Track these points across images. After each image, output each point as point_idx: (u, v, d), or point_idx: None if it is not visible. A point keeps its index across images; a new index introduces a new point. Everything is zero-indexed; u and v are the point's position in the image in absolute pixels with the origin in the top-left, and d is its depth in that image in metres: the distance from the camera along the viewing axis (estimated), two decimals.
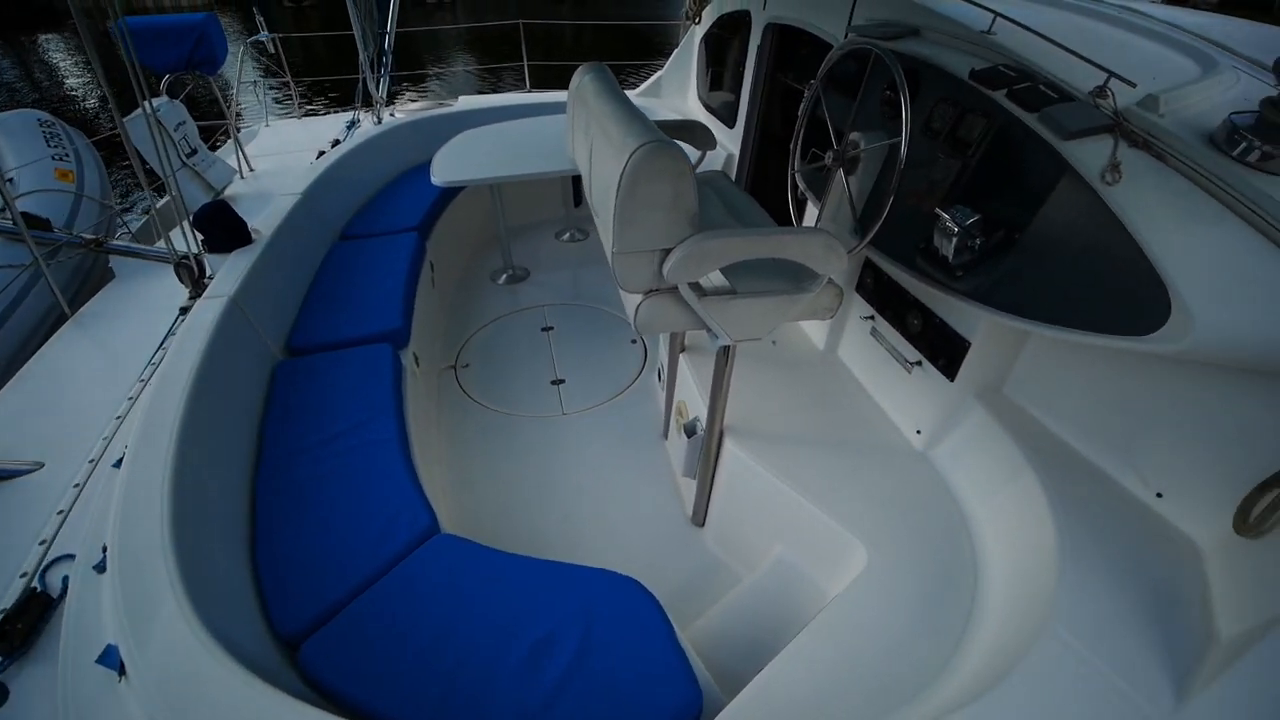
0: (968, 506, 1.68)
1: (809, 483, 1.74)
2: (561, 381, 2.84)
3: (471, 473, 2.40)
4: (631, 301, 1.51)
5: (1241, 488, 1.28)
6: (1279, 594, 1.16)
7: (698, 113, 3.78)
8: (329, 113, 5.55)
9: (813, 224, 2.06)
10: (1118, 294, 1.24)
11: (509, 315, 3.34)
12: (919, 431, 1.88)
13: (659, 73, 4.27)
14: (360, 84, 4.18)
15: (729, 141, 3.29)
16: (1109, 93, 1.30)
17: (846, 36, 2.05)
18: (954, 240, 1.43)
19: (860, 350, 2.16)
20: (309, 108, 7.94)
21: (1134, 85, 1.34)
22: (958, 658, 1.32)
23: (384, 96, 4.19)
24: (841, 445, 1.88)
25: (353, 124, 4.20)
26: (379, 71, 4.18)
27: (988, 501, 1.64)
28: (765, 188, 3.15)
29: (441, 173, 2.82)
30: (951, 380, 1.74)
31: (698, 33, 3.77)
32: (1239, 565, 1.29)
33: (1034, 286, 1.37)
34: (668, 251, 1.34)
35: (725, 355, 1.69)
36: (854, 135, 1.75)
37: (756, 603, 1.74)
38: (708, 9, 3.57)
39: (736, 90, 3.17)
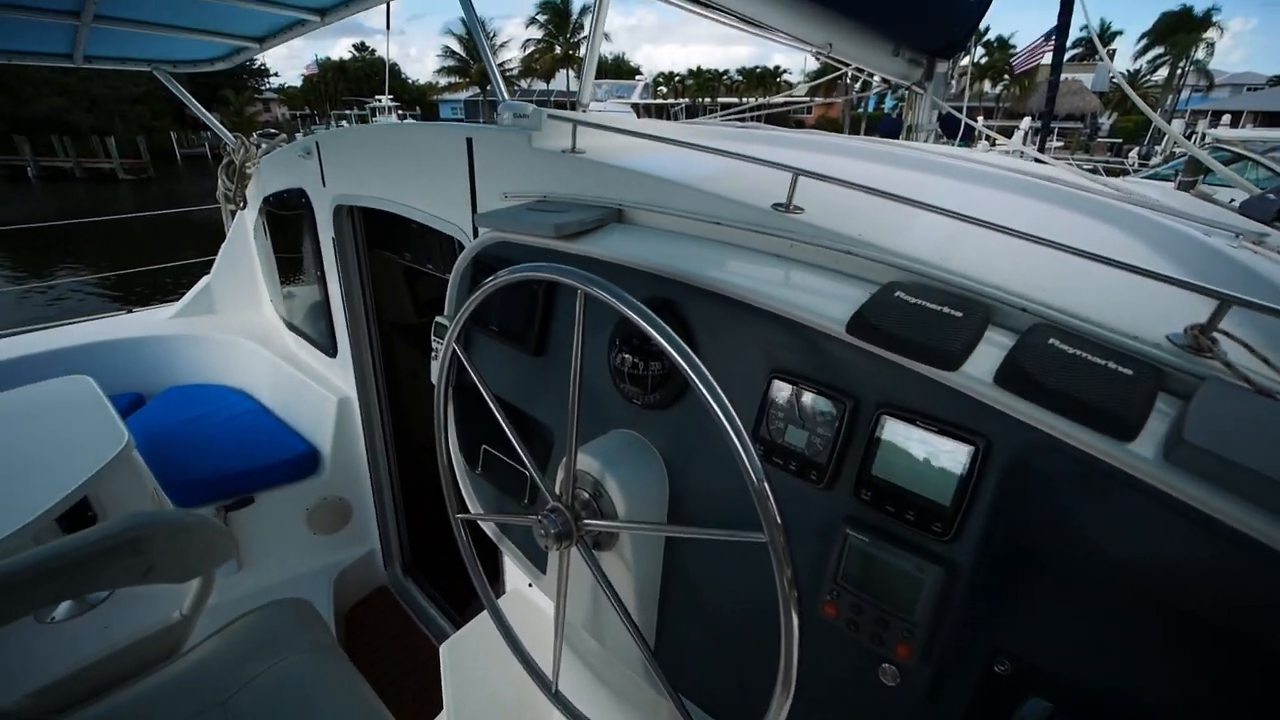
0: None
1: None
2: None
3: None
4: None
5: None
6: None
7: (279, 333, 2.56)
8: None
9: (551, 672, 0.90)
10: None
11: None
12: None
13: (205, 278, 2.88)
14: None
15: (340, 380, 2.08)
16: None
17: (477, 233, 1.25)
18: None
19: None
20: None
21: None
22: None
23: None
24: None
25: None
26: None
27: None
28: (422, 498, 1.96)
29: None
30: None
31: (248, 220, 2.68)
32: None
33: None
34: None
35: None
36: (588, 461, 0.84)
37: None
38: (249, 188, 2.61)
39: (327, 298, 2.06)
